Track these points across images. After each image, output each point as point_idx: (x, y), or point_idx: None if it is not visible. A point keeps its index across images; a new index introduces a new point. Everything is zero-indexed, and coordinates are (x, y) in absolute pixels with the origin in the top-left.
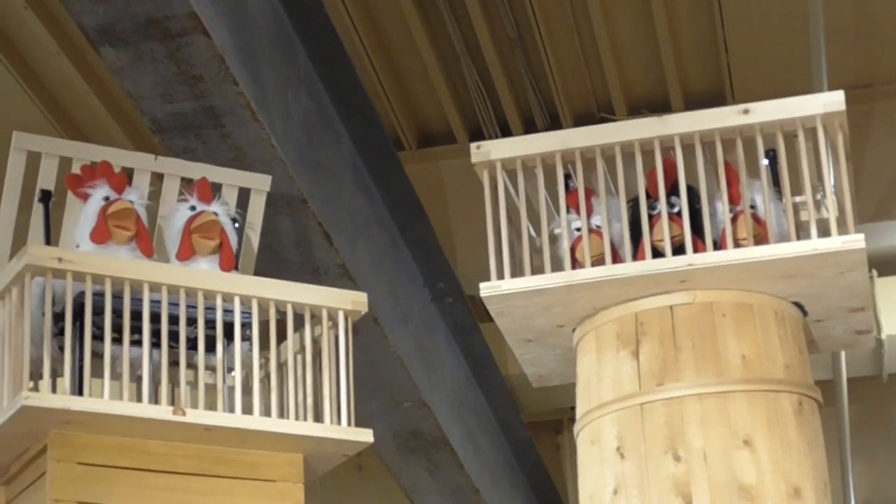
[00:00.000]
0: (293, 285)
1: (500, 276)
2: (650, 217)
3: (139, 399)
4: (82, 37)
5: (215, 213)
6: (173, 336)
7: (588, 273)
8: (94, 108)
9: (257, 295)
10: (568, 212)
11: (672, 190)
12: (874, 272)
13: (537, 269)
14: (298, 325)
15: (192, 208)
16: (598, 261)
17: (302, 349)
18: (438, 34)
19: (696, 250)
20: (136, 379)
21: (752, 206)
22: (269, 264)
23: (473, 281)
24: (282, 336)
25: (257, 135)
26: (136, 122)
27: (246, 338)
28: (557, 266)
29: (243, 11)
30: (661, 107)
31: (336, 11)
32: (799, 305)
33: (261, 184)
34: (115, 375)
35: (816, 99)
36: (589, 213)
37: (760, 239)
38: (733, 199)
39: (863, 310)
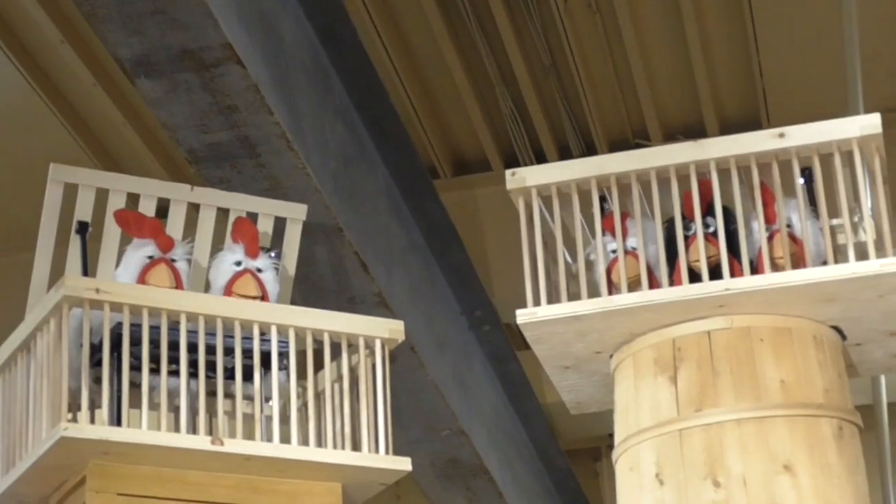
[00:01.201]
0: (330, 314)
1: (537, 303)
2: (686, 238)
3: (177, 429)
4: (118, 69)
5: (259, 270)
6: (210, 366)
7: (625, 299)
8: (130, 139)
9: (294, 324)
10: (603, 235)
11: (707, 211)
12: None
13: (574, 296)
14: (336, 353)
15: (238, 263)
16: (635, 283)
17: (339, 378)
18: (472, 62)
19: (732, 271)
20: (174, 409)
21: (789, 226)
22: (307, 293)
23: (510, 308)
24: (319, 365)
25: (293, 164)
26: (171, 152)
27: (283, 367)
28: (594, 292)
29: (278, 42)
30: (696, 132)
31: (370, 41)
32: (837, 329)
33: (297, 213)
34: (153, 406)
35: (853, 122)
36: (624, 236)
37: (797, 258)
38: (769, 219)
39: None
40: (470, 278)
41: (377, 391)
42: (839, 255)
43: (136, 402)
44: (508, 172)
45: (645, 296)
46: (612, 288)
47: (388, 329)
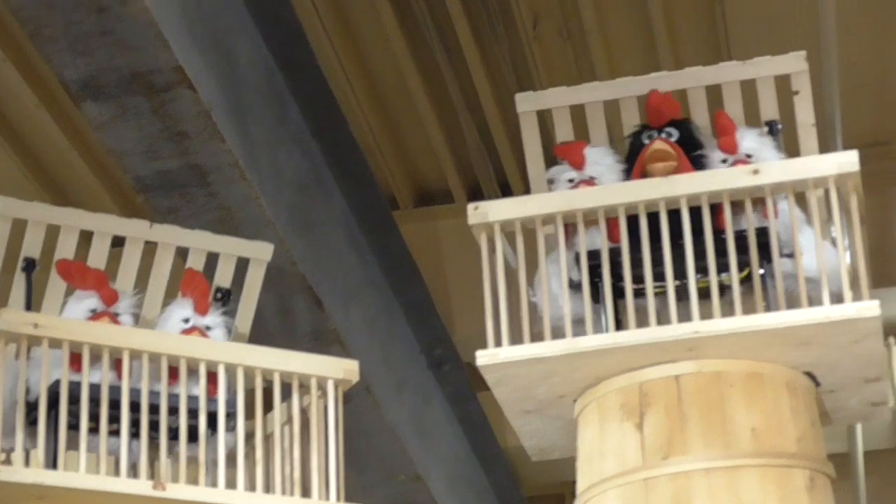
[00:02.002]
0: (281, 352)
1: (498, 344)
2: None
3: (117, 473)
4: (63, 90)
5: (208, 328)
6: (153, 408)
7: (591, 341)
8: (76, 164)
9: (243, 363)
10: (559, 163)
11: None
12: (891, 340)
13: (537, 337)
14: (287, 394)
15: (186, 320)
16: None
17: (290, 420)
18: (436, 88)
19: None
20: (114, 450)
21: (749, 156)
22: (257, 329)
23: (472, 347)
24: (269, 406)
25: (245, 194)
26: (120, 179)
27: (231, 428)
28: (559, 333)
29: (233, 66)
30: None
31: (330, 66)
32: (811, 376)
33: (261, 253)
34: (92, 447)
35: (829, 159)
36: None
37: None
38: (730, 149)
39: (878, 380)
40: (430, 315)
41: (329, 434)
42: (814, 298)
43: (73, 444)
44: (470, 206)
45: (611, 338)
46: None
47: (342, 369)
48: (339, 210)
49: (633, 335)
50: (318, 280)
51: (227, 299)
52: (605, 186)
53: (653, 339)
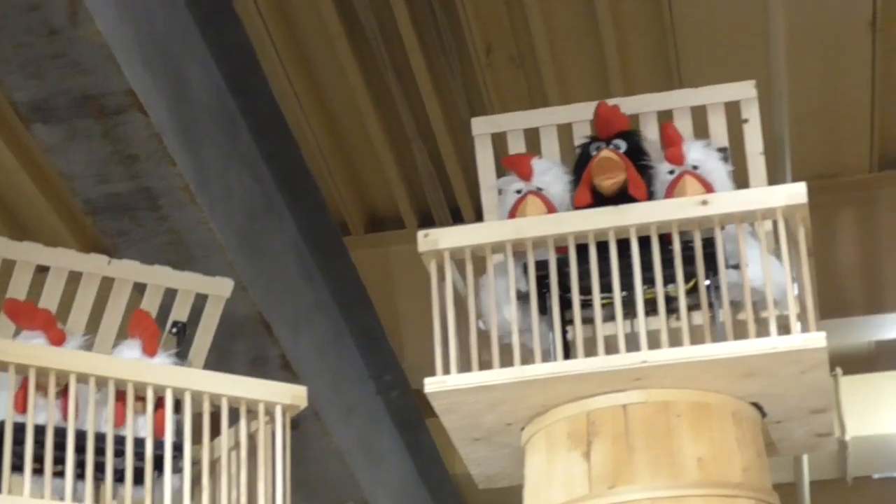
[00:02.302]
0: (229, 378)
1: (447, 371)
2: (592, 157)
3: (61, 497)
4: (13, 112)
5: None
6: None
7: (538, 369)
8: (25, 186)
9: (191, 388)
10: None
11: (617, 135)
12: (839, 370)
13: (486, 364)
14: (234, 419)
15: None
16: None
17: (237, 445)
18: (389, 114)
19: (636, 194)
20: (59, 473)
21: (696, 167)
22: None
23: (421, 373)
24: (216, 431)
25: (195, 218)
26: (69, 202)
27: (177, 470)
28: (507, 361)
29: (184, 89)
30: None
31: (283, 91)
32: (758, 406)
33: (220, 290)
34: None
35: (778, 190)
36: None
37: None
38: (676, 160)
39: (824, 411)
40: (379, 341)
41: (276, 460)
42: (762, 329)
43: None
44: (421, 234)
45: (559, 367)
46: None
47: (290, 395)
48: (289, 235)
49: (580, 364)
50: (268, 305)
51: (182, 334)
52: (555, 216)
53: (601, 369)
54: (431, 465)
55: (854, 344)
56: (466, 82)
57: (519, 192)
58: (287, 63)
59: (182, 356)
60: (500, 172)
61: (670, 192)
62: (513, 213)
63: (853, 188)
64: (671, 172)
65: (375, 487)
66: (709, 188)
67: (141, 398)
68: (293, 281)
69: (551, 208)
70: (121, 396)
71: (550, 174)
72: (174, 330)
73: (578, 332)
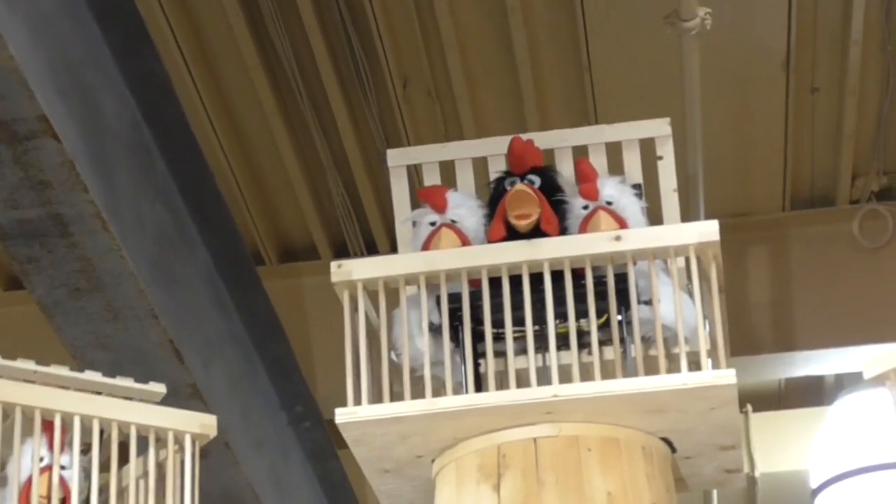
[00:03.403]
0: (138, 406)
1: (358, 402)
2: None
3: None
4: None
5: (62, 468)
6: None
7: (449, 401)
8: None
9: (99, 415)
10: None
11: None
12: (749, 407)
13: (397, 396)
14: (143, 448)
15: (41, 458)
16: None
17: (145, 474)
18: (304, 145)
19: (548, 229)
20: None
21: (610, 203)
22: None
23: (333, 404)
24: (124, 459)
25: (107, 245)
26: None
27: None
28: (419, 393)
29: (98, 116)
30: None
31: (198, 121)
32: (668, 442)
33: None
34: None
35: (691, 227)
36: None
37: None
38: (591, 196)
39: (733, 448)
40: (291, 371)
41: (185, 489)
42: (672, 366)
43: None
44: (334, 265)
45: (470, 399)
46: None
47: (199, 424)
48: (202, 264)
49: (491, 397)
50: (180, 334)
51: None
52: (469, 249)
53: (511, 402)
54: (343, 496)
55: (764, 381)
56: (382, 115)
57: (433, 224)
58: (203, 93)
59: None
60: (415, 204)
61: (584, 227)
62: (427, 246)
63: (765, 227)
64: (585, 208)
65: None
66: (622, 224)
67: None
68: (205, 310)
69: (465, 241)
70: None
71: (465, 207)
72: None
73: (490, 364)
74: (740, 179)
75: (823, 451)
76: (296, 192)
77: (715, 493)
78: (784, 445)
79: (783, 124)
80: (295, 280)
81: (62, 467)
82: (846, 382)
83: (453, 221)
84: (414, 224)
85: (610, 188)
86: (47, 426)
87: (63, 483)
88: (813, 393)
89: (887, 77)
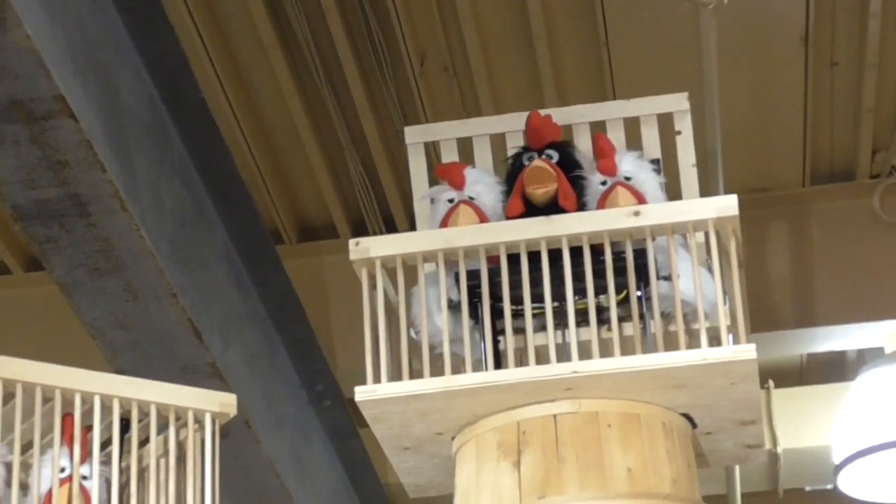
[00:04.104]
0: (158, 385)
1: (377, 380)
2: (524, 167)
3: None
4: None
5: (84, 478)
6: None
7: (468, 379)
8: None
9: (119, 395)
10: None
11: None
12: (771, 383)
13: (416, 374)
14: (163, 427)
15: (62, 469)
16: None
17: (165, 453)
18: (322, 123)
19: (567, 204)
20: None
21: (629, 178)
22: (135, 361)
23: (353, 383)
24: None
25: (126, 225)
26: None
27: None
28: (438, 371)
29: (115, 95)
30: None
31: (216, 100)
32: (688, 417)
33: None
34: None
35: (709, 202)
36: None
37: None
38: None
39: (753, 423)
40: (311, 350)
41: (205, 468)
42: (692, 341)
43: None
44: (352, 242)
45: (489, 376)
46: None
47: (219, 402)
48: (221, 243)
49: (510, 374)
50: (199, 313)
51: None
52: (487, 225)
53: (531, 378)
54: (363, 474)
55: (786, 357)
56: (400, 92)
57: (451, 201)
58: (220, 72)
59: None
60: (433, 182)
61: (602, 202)
62: (445, 223)
63: (785, 202)
64: (603, 183)
65: (306, 497)
66: (641, 199)
67: None
68: (224, 289)
69: (483, 218)
70: None
71: (483, 184)
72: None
73: (509, 341)
74: (760, 155)
75: (846, 427)
76: (314, 171)
77: (737, 469)
78: (807, 421)
79: (803, 99)
80: (314, 259)
81: (83, 477)
82: (868, 357)
83: (471, 198)
84: (432, 201)
85: (628, 163)
86: (67, 430)
87: (83, 491)
88: (835, 368)
89: None
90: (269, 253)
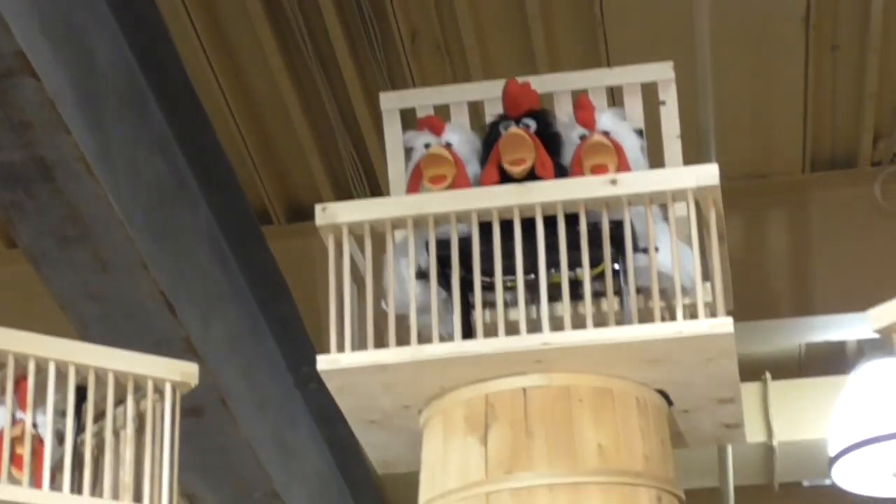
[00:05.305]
0: (116, 352)
1: (341, 349)
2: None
3: None
4: None
5: (35, 426)
6: None
7: (435, 349)
8: None
9: (75, 361)
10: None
11: (527, 114)
12: (767, 375)
13: (384, 344)
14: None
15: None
16: (439, 179)
17: (124, 423)
18: (312, 104)
19: (543, 171)
20: None
21: (607, 133)
22: (105, 333)
23: None
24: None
25: (93, 191)
26: None
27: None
28: (406, 341)
29: (88, 58)
30: None
31: (203, 77)
32: (664, 394)
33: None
34: None
35: (689, 171)
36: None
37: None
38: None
39: (732, 401)
40: (298, 332)
41: (164, 439)
42: (669, 315)
43: None
44: (318, 207)
45: (457, 347)
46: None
47: (180, 371)
48: (202, 218)
49: (479, 345)
50: (174, 287)
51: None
52: (458, 192)
53: (500, 350)
54: (351, 460)
55: (784, 348)
56: (391, 70)
57: (428, 146)
58: (208, 47)
59: None
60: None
61: (579, 152)
62: (418, 166)
63: (784, 189)
64: (582, 137)
65: (289, 481)
66: (619, 150)
67: None
68: (204, 265)
69: (458, 163)
70: None
71: (462, 135)
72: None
73: (478, 312)
74: (759, 140)
75: (842, 420)
76: (304, 151)
77: (730, 461)
78: (804, 414)
79: (803, 83)
80: (303, 240)
81: (35, 426)
82: (867, 349)
83: (448, 144)
84: (408, 154)
85: (607, 119)
86: (21, 397)
87: (36, 437)
88: (834, 360)
89: None
90: (254, 231)
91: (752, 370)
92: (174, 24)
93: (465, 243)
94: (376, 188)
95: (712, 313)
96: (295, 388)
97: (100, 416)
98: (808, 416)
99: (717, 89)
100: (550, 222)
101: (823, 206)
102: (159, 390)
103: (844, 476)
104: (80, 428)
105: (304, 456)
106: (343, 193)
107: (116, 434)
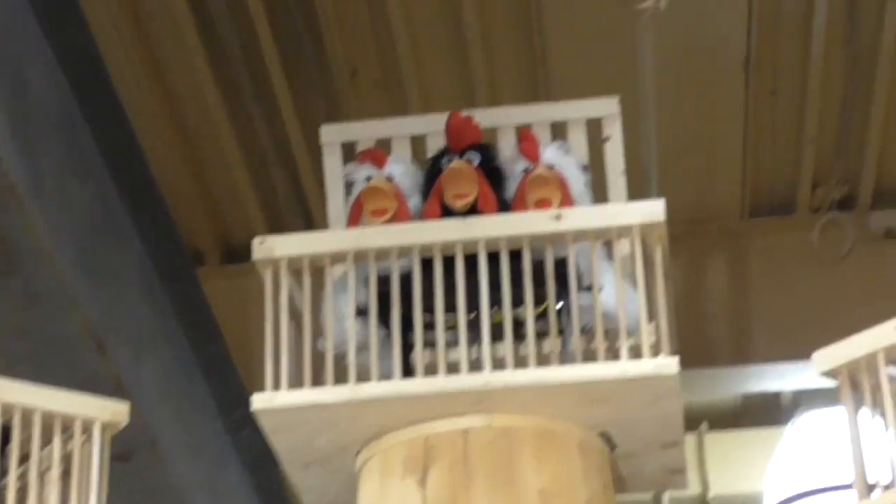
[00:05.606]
0: (43, 390)
1: (276, 387)
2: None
3: None
4: None
5: None
6: None
7: (373, 388)
8: None
9: (1, 399)
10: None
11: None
12: (704, 426)
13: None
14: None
15: None
16: (380, 212)
17: (50, 465)
18: (248, 137)
19: (485, 206)
20: None
21: (551, 167)
22: (32, 372)
23: None
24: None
25: (23, 223)
26: None
27: None
28: (342, 379)
29: (21, 87)
30: None
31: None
32: (607, 438)
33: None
34: None
35: (635, 207)
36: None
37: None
38: (530, 157)
39: (675, 445)
40: (230, 375)
41: (91, 483)
42: (612, 355)
43: None
44: (256, 240)
45: (396, 386)
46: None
47: (110, 411)
48: (134, 255)
49: (419, 384)
50: (105, 325)
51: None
52: (400, 226)
53: (440, 390)
54: None
55: (721, 398)
56: (330, 105)
57: (369, 178)
58: (143, 79)
59: None
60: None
61: (522, 185)
62: (358, 200)
63: (723, 234)
64: (526, 170)
65: None
66: (563, 183)
67: None
68: (136, 303)
69: (399, 197)
70: None
71: (404, 168)
72: None
73: (419, 350)
74: (698, 185)
75: (778, 472)
76: (239, 191)
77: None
78: (739, 466)
79: (742, 128)
80: (238, 281)
81: None
82: (803, 400)
83: (390, 176)
84: (349, 184)
85: (551, 153)
86: None
87: None
88: (771, 411)
89: (850, 80)
90: (187, 271)
91: (688, 420)
92: (109, 57)
93: (406, 280)
94: (312, 226)
95: (656, 353)
96: (226, 434)
97: (24, 458)
98: (744, 469)
99: (658, 131)
100: (494, 258)
101: (762, 252)
102: (87, 430)
103: None
104: (3, 471)
105: (235, 501)
106: (278, 230)
107: (41, 477)
